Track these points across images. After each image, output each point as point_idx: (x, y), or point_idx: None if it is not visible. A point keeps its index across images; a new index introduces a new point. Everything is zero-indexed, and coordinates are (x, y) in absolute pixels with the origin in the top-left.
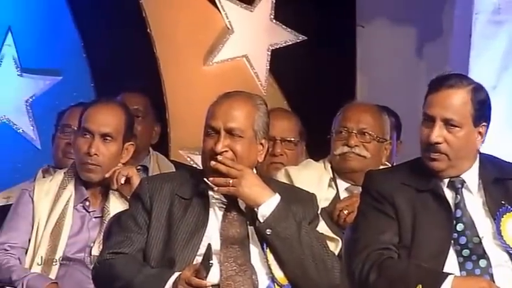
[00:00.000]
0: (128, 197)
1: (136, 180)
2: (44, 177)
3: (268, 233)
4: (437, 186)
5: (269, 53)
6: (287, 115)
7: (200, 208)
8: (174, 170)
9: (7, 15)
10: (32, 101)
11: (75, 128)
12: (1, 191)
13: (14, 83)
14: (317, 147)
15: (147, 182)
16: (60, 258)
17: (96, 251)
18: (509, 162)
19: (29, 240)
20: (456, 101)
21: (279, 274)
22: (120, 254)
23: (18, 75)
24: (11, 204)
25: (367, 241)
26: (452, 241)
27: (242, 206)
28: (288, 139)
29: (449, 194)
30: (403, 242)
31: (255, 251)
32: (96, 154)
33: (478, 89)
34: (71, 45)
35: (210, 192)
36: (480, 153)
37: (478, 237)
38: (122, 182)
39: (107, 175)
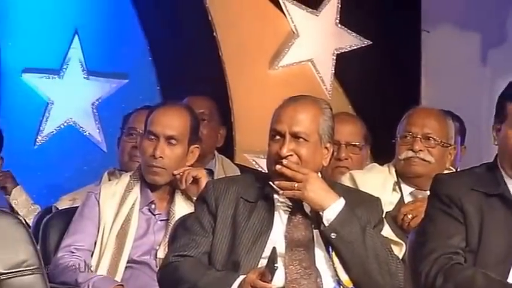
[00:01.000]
0: (194, 199)
1: (204, 182)
2: (109, 180)
3: (333, 237)
4: (506, 191)
5: (334, 57)
6: (352, 119)
7: (265, 211)
8: (239, 174)
9: (73, 18)
10: (98, 103)
11: (141, 131)
12: (67, 193)
13: (80, 86)
14: (382, 151)
15: (213, 185)
16: (126, 261)
17: (161, 253)
18: None
19: (95, 243)
20: None
21: (344, 277)
22: (185, 257)
23: (84, 78)
24: (76, 207)
25: (435, 245)
26: None
27: (307, 209)
28: (353, 143)
29: None
30: (470, 247)
31: (320, 254)
32: (161, 157)
33: None
34: (136, 48)
35: (275, 196)
36: None
37: None
38: (189, 182)
39: (175, 172)
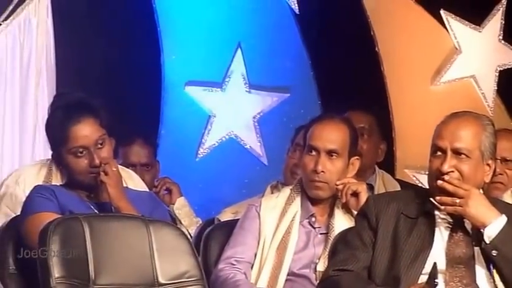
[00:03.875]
0: (354, 212)
1: (364, 197)
2: (272, 193)
3: (494, 254)
4: None
5: (497, 74)
6: (508, 135)
7: (426, 227)
8: (399, 189)
9: (236, 31)
10: (260, 117)
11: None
12: (229, 206)
13: (242, 99)
14: None
15: (373, 201)
16: (286, 274)
17: (321, 267)
18: None
19: (255, 255)
20: None
21: None
22: (345, 271)
23: (246, 91)
24: (237, 219)
25: None
26: None
27: (468, 226)
28: (508, 159)
29: None
30: None
31: (480, 271)
32: (323, 171)
33: None
34: (298, 62)
35: (436, 212)
36: None
37: None
38: (349, 196)
39: (338, 183)
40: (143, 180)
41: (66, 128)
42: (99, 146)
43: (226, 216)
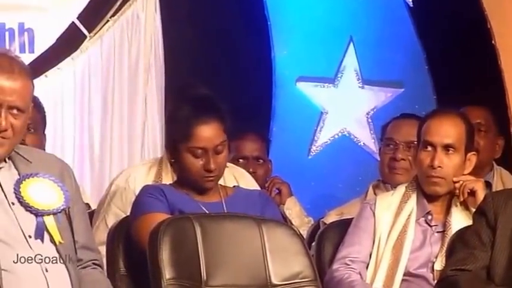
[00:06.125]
0: (473, 210)
1: (481, 195)
2: (374, 193)
3: None
4: None
5: None
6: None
7: None
8: None
9: (348, 25)
10: (373, 113)
11: (397, 142)
12: (342, 204)
13: (355, 95)
14: None
15: (492, 198)
16: (402, 274)
17: (438, 266)
18: None
19: (370, 255)
20: None
21: None
22: (463, 271)
23: (359, 87)
24: (351, 219)
25: None
26: None
27: None
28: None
29: None
30: None
31: None
32: (440, 166)
33: None
34: (412, 57)
35: None
36: None
37: None
38: (466, 194)
39: (455, 179)
40: (255, 174)
41: (191, 125)
42: (218, 151)
43: (331, 218)
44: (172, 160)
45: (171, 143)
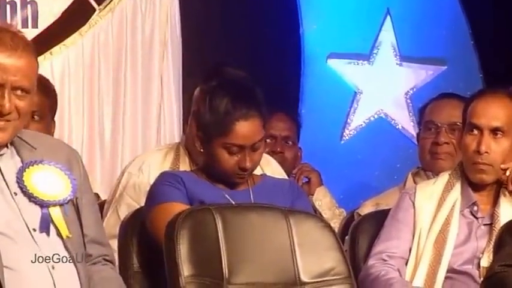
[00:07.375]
0: None
1: None
2: (414, 181)
3: None
4: None
5: None
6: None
7: None
8: None
9: None
10: (413, 93)
11: (439, 124)
12: (378, 193)
13: (392, 73)
14: None
15: None
16: (445, 271)
17: (485, 262)
18: None
19: (410, 250)
20: None
21: None
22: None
23: (397, 64)
24: (388, 210)
25: None
26: None
27: None
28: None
29: None
30: None
31: None
32: (486, 152)
33: None
34: (456, 31)
35: None
36: None
37: None
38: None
39: (503, 166)
40: (283, 156)
41: (230, 120)
42: (255, 148)
43: (366, 209)
44: (201, 150)
45: (204, 134)
